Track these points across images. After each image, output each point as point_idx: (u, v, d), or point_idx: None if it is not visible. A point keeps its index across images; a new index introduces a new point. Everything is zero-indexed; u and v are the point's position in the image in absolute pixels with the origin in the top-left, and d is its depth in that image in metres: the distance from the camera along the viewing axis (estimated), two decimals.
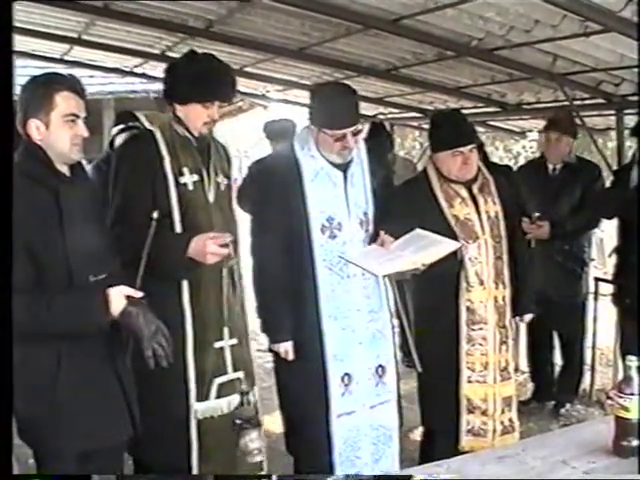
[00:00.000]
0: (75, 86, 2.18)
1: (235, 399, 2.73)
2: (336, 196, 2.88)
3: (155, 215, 2.37)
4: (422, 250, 2.77)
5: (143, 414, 2.43)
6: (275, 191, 2.84)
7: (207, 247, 2.53)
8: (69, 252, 2.08)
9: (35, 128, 2.13)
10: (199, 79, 2.66)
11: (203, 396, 2.70)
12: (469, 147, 3.20)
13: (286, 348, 2.88)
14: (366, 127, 5.64)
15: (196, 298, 2.68)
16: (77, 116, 2.17)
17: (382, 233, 2.85)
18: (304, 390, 2.90)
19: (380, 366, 2.97)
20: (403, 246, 2.82)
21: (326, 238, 2.85)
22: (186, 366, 2.67)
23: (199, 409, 2.69)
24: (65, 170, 2.18)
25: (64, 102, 2.14)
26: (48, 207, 2.08)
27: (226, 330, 2.75)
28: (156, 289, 2.58)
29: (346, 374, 2.90)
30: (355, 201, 2.91)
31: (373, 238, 2.91)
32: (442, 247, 2.86)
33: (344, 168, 2.89)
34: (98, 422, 2.16)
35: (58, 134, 2.14)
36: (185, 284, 2.66)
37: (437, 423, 3.30)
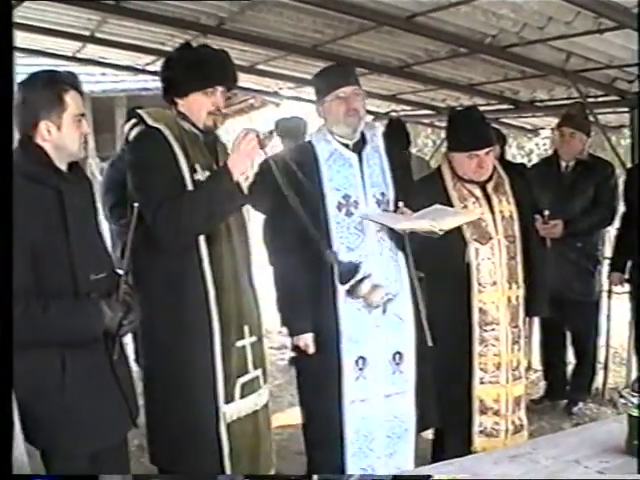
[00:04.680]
0: (77, 84, 2.18)
1: (258, 397, 2.73)
2: (352, 175, 2.87)
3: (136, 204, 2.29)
4: (441, 218, 2.77)
5: (171, 421, 2.44)
6: (292, 182, 2.72)
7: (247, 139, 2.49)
8: (73, 250, 2.07)
9: (46, 130, 2.11)
10: (195, 66, 2.61)
11: (230, 398, 2.65)
12: (486, 150, 3.16)
13: (306, 341, 2.85)
14: (383, 124, 5.66)
15: (220, 297, 2.62)
16: (83, 115, 2.18)
17: (401, 204, 2.83)
18: (319, 376, 2.85)
19: (398, 353, 2.89)
20: (422, 215, 2.79)
21: (342, 215, 2.84)
22: (215, 368, 2.60)
23: (227, 411, 2.64)
24: (64, 168, 2.17)
25: (73, 102, 2.14)
26: (52, 207, 2.06)
27: (246, 328, 2.70)
28: (181, 292, 2.59)
29: (360, 357, 2.83)
30: (371, 181, 2.89)
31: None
32: (461, 217, 2.92)
33: (358, 150, 2.90)
34: (103, 421, 2.16)
35: (70, 134, 2.14)
36: (210, 284, 2.59)
37: (449, 424, 3.27)
